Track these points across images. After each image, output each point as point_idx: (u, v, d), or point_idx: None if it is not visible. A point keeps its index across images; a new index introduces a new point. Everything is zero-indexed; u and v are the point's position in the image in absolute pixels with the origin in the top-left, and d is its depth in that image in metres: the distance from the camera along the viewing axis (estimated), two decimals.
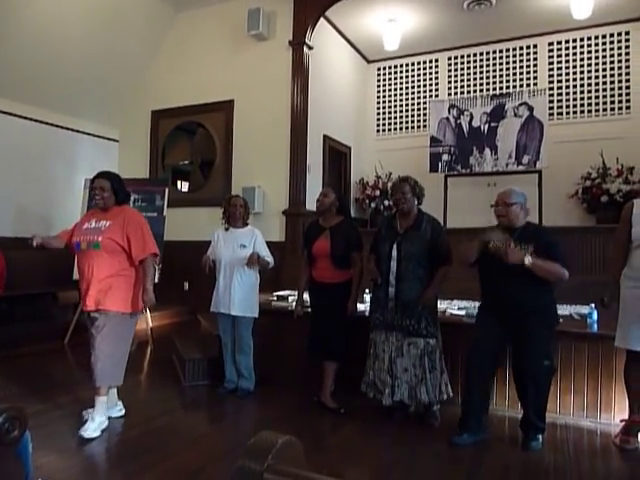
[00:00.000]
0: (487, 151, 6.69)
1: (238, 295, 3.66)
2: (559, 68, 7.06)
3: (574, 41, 6.97)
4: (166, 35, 7.02)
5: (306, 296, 3.69)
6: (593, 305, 3.50)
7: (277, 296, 4.47)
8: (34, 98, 6.16)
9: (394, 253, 3.14)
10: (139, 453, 2.83)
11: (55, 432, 2.97)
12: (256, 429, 0.96)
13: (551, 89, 6.94)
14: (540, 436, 2.88)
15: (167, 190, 5.83)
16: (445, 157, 6.89)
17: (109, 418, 3.11)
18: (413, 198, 3.18)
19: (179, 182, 7.66)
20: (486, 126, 6.72)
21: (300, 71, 6.14)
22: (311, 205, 6.09)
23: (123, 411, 3.20)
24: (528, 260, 2.70)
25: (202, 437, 3.03)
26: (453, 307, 3.99)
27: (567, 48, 7.02)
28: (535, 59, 7.19)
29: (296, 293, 3.87)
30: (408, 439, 3.01)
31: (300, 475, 0.73)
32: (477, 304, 4.05)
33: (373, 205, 7.40)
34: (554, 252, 2.78)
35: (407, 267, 3.10)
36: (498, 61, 7.39)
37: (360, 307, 4.02)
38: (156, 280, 5.51)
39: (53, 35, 5.83)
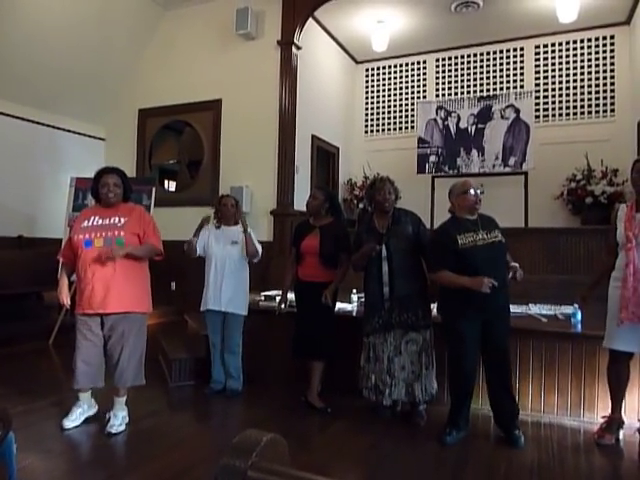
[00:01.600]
0: (474, 152, 6.74)
1: (229, 292, 3.65)
2: (545, 71, 7.14)
3: (560, 44, 7.06)
4: (154, 33, 6.97)
5: (291, 295, 3.70)
6: (577, 305, 3.54)
7: (265, 296, 4.46)
8: (18, 95, 6.08)
9: (383, 253, 3.16)
10: (124, 454, 2.82)
11: (39, 433, 2.94)
12: (243, 430, 0.96)
13: (537, 91, 7.01)
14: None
15: (154, 189, 5.79)
16: (432, 158, 6.93)
17: (86, 420, 3.08)
18: (394, 200, 3.25)
19: (166, 181, 7.62)
20: (473, 128, 6.77)
21: (288, 71, 6.13)
22: (299, 205, 6.11)
23: (96, 408, 3.17)
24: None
25: (188, 438, 3.02)
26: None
27: (553, 51, 7.10)
28: (522, 62, 7.27)
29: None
30: (394, 438, 3.02)
31: (284, 472, 0.73)
32: None
33: (361, 206, 7.42)
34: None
35: (399, 263, 3.14)
36: (485, 63, 7.46)
37: (347, 307, 4.05)
38: None
39: (39, 32, 5.75)
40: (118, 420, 2.98)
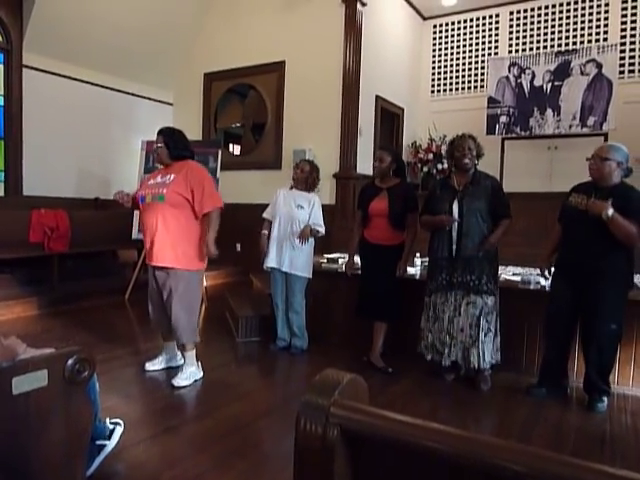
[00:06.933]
0: (549, 112, 6.33)
1: (290, 252, 3.69)
2: (633, 21, 6.50)
3: None
4: None
5: (356, 258, 3.69)
6: None
7: (327, 258, 4.49)
8: (92, 62, 6.32)
9: (455, 210, 3.08)
10: (195, 402, 2.98)
11: (118, 379, 3.16)
12: (306, 386, 0.97)
13: (623, 44, 6.43)
14: (605, 398, 2.89)
15: (220, 152, 5.89)
16: (503, 119, 6.59)
17: (170, 368, 3.28)
18: (474, 156, 3.11)
19: (231, 145, 7.74)
20: (549, 85, 6.34)
21: (353, 29, 5.96)
22: (362, 169, 6.03)
23: (182, 361, 3.35)
24: (609, 212, 2.60)
25: (253, 390, 3.14)
26: (508, 273, 3.88)
27: None
28: (606, 12, 6.64)
29: (346, 255, 3.88)
30: (456, 402, 3.00)
31: (367, 410, 0.74)
32: (532, 270, 3.96)
33: (425, 169, 7.22)
34: (635, 214, 2.64)
35: (469, 222, 3.06)
36: (565, 14, 6.87)
37: (410, 270, 3.99)
38: None
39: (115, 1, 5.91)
40: (184, 375, 3.09)
